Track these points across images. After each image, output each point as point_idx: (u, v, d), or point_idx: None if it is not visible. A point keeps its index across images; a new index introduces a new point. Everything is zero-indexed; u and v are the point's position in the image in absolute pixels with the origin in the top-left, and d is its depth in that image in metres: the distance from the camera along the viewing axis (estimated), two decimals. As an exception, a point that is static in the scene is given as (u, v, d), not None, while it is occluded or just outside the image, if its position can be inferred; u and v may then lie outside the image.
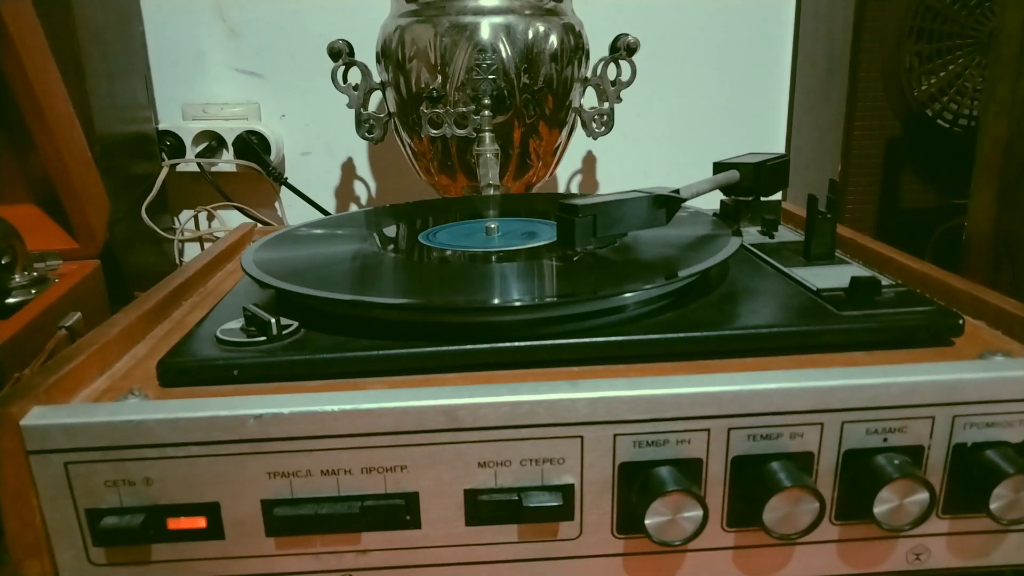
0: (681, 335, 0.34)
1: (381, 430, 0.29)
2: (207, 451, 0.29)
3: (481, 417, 0.29)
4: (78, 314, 0.52)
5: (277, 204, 0.92)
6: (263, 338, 0.34)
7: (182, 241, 0.88)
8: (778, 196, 0.54)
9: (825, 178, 0.84)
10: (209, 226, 0.93)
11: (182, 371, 0.33)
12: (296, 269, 0.40)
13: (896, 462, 0.30)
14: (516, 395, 0.29)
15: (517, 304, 0.33)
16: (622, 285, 0.35)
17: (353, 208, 0.95)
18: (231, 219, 0.92)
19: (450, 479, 0.30)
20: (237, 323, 0.36)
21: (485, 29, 0.67)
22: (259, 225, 0.64)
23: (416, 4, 0.69)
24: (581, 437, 0.30)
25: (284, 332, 0.35)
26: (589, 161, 0.94)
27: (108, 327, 0.37)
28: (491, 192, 0.65)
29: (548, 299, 0.34)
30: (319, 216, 0.90)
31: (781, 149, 0.94)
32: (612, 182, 0.95)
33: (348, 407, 0.29)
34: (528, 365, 0.33)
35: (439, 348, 0.33)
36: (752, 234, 0.51)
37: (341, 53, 0.71)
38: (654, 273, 0.38)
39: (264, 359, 0.33)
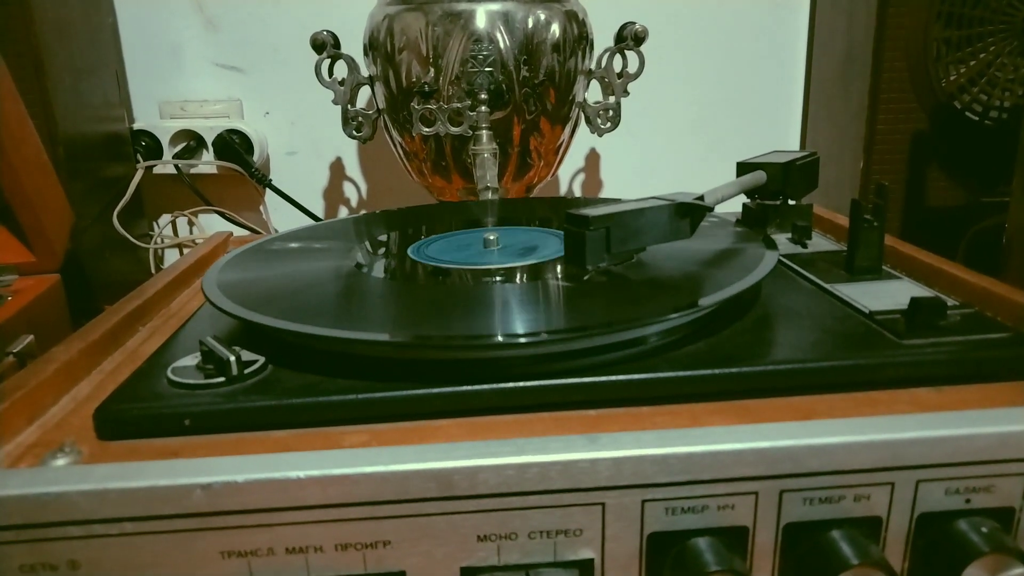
0: (715, 371, 0.29)
1: (358, 499, 0.24)
2: (146, 528, 0.24)
3: (480, 483, 0.24)
4: (30, 337, 0.47)
5: (261, 207, 0.87)
6: (221, 379, 0.29)
7: (159, 248, 0.82)
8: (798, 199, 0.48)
9: (845, 176, 0.78)
10: (190, 232, 0.87)
11: (123, 422, 0.27)
12: (265, 294, 0.34)
13: (984, 530, 0.25)
14: (523, 455, 0.24)
15: (522, 340, 0.28)
16: (643, 312, 0.30)
17: (342, 211, 0.90)
18: (212, 224, 0.86)
19: (443, 556, 0.25)
20: (194, 359, 0.31)
21: (481, 17, 0.62)
22: (234, 234, 0.58)
23: (406, -9, 0.64)
24: (602, 504, 0.24)
25: (247, 371, 0.29)
26: (592, 159, 0.89)
27: (43, 364, 0.31)
28: (489, 195, 0.60)
29: (558, 333, 0.29)
30: (305, 219, 0.84)
31: (796, 144, 0.89)
32: (617, 181, 0.89)
33: (317, 473, 0.23)
34: (534, 409, 0.28)
35: (430, 390, 0.28)
36: (781, 242, 0.45)
37: (325, 45, 0.65)
38: (679, 295, 0.32)
39: (221, 406, 0.28)
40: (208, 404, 0.28)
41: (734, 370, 0.29)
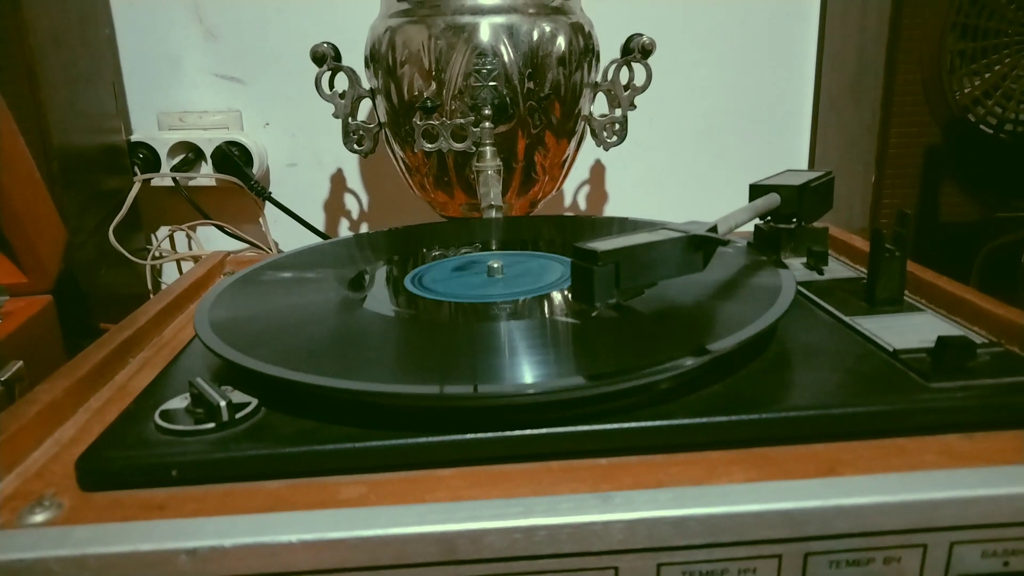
0: (733, 418, 0.27)
1: (354, 565, 0.22)
2: (127, 594, 0.22)
3: (486, 547, 0.22)
4: (19, 363, 0.46)
5: (261, 220, 0.85)
6: (211, 424, 0.27)
7: (157, 263, 0.81)
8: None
9: (855, 191, 0.77)
10: (189, 246, 0.86)
11: (107, 472, 0.26)
12: (259, 332, 0.33)
13: (1024, 597, 0.23)
14: (530, 518, 0.22)
15: (530, 391, 0.26)
16: (657, 357, 0.28)
17: (343, 224, 0.88)
18: (210, 237, 0.85)
19: (445, 623, 0.23)
20: (183, 400, 0.29)
21: (485, 30, 0.60)
22: (233, 248, 0.57)
23: (408, 3, 0.62)
24: (615, 568, 0.23)
25: (238, 416, 0.28)
26: (597, 171, 0.87)
27: (25, 406, 0.30)
28: (492, 213, 0.58)
29: (568, 381, 0.27)
30: (304, 232, 0.83)
31: (805, 157, 0.88)
32: (623, 195, 0.88)
33: (310, 537, 0.22)
34: (542, 458, 0.27)
35: (431, 439, 0.26)
36: (796, 267, 0.44)
37: (326, 57, 0.64)
38: (695, 335, 0.31)
39: (211, 455, 0.26)
40: (197, 453, 0.26)
41: (753, 417, 0.27)
